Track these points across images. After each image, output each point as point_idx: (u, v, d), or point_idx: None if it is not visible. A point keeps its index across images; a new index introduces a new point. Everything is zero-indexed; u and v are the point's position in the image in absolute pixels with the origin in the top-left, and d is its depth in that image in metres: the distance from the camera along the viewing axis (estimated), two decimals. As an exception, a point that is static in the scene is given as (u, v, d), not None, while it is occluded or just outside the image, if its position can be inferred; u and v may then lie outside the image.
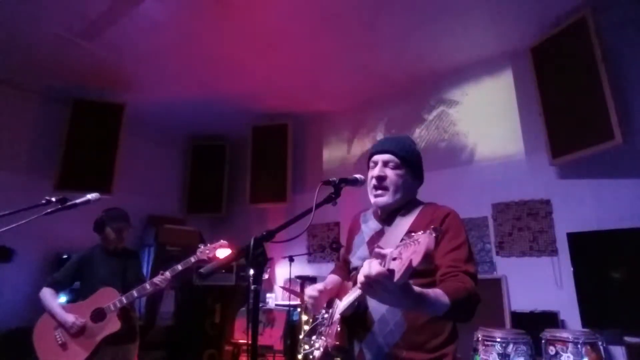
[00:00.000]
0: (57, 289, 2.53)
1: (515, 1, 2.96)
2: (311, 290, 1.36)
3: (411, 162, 1.36)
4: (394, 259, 0.83)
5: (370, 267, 0.86)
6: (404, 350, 1.17)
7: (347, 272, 1.51)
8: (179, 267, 2.52)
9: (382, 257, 0.88)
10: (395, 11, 3.08)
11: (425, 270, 1.18)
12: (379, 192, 1.33)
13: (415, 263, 0.76)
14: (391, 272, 0.82)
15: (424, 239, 0.77)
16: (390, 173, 1.33)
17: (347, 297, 1.27)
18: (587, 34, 2.83)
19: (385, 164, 1.35)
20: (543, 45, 3.18)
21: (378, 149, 1.39)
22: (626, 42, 2.98)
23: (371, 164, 1.39)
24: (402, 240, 1.22)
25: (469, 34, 3.38)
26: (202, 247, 2.61)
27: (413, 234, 0.84)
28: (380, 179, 1.33)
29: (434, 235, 0.78)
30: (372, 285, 0.87)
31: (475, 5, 3.02)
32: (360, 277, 0.89)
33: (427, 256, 0.76)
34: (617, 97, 2.72)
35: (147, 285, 2.48)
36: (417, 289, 0.92)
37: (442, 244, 1.22)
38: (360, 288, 0.93)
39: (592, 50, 2.79)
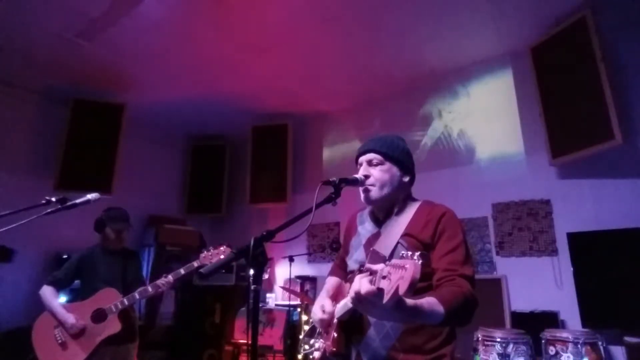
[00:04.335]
0: (58, 287, 2.53)
1: (515, 1, 2.96)
2: (320, 314, 1.32)
3: (395, 157, 1.35)
4: (384, 277, 0.83)
5: (360, 285, 0.87)
6: (400, 353, 1.16)
7: (345, 272, 1.50)
8: (182, 271, 2.53)
9: (372, 273, 0.88)
10: (395, 11, 3.08)
11: (421, 273, 1.18)
12: (367, 190, 1.33)
13: (401, 291, 0.77)
14: (380, 290, 0.83)
15: (410, 267, 0.78)
16: (374, 171, 1.33)
17: (342, 302, 1.27)
18: (587, 34, 2.83)
19: (369, 162, 1.36)
20: (543, 45, 3.18)
21: (361, 150, 1.40)
22: (626, 42, 2.98)
23: (358, 167, 1.40)
24: (397, 243, 1.23)
25: (469, 34, 3.38)
26: (205, 252, 2.61)
27: (403, 252, 0.85)
28: (365, 178, 1.33)
29: (420, 262, 0.79)
30: (362, 302, 0.88)
31: (475, 5, 3.02)
32: (351, 293, 0.90)
33: (413, 285, 0.77)
34: (617, 97, 2.72)
35: (149, 288, 2.49)
36: (410, 301, 0.91)
37: (438, 245, 1.21)
38: (351, 303, 0.94)
39: (592, 50, 2.79)
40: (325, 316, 1.31)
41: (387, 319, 1.05)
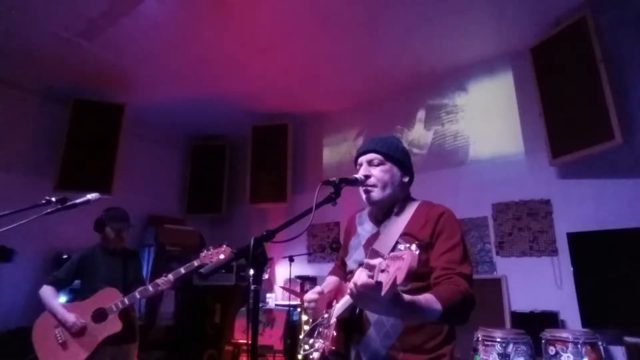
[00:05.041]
0: (58, 287, 2.53)
1: (515, 1, 2.97)
2: (311, 294, 1.34)
3: (395, 158, 1.36)
4: (382, 270, 0.84)
5: (359, 279, 0.88)
6: (400, 352, 1.17)
7: (345, 272, 1.51)
8: (182, 270, 2.53)
9: (371, 267, 0.88)
10: (395, 11, 3.08)
11: (420, 273, 1.18)
12: (368, 189, 1.33)
13: (399, 281, 0.77)
14: (379, 284, 0.83)
15: (407, 257, 0.78)
16: (375, 171, 1.34)
17: (341, 301, 1.27)
18: (587, 34, 2.83)
19: (370, 163, 1.36)
20: (543, 45, 3.18)
21: (361, 151, 1.40)
22: (626, 42, 2.98)
23: (357, 167, 1.40)
24: (396, 243, 1.24)
25: (469, 34, 3.39)
26: (205, 251, 2.61)
27: (401, 246, 0.86)
28: (366, 177, 1.33)
29: (417, 252, 0.80)
30: (360, 296, 0.89)
31: (475, 5, 3.02)
32: (351, 287, 0.91)
33: (411, 274, 0.77)
34: (617, 97, 2.72)
35: (150, 287, 2.49)
36: (407, 297, 0.91)
37: (436, 244, 1.22)
38: (349, 296, 0.95)
39: (592, 50, 2.79)
40: (315, 296, 1.32)
41: (385, 314, 1.05)
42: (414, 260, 0.78)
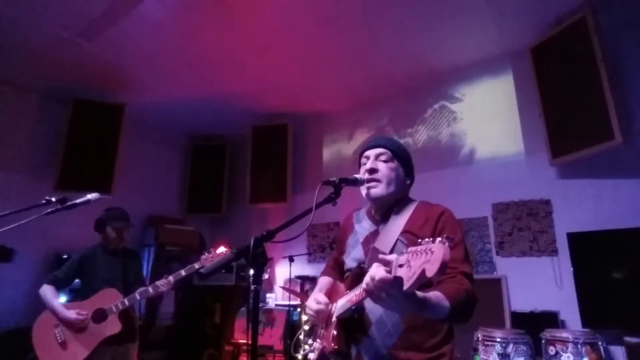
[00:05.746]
0: (58, 286, 2.53)
1: (515, 1, 2.97)
2: (315, 304, 1.31)
3: (402, 157, 1.37)
4: (401, 265, 0.82)
5: (377, 274, 0.87)
6: (401, 351, 1.17)
7: (339, 272, 1.49)
8: (183, 272, 2.53)
9: (387, 263, 0.87)
10: (395, 11, 3.08)
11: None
12: (372, 184, 1.31)
13: (430, 274, 0.75)
14: (398, 279, 0.81)
15: (438, 249, 0.75)
16: (382, 166, 1.33)
17: (343, 300, 1.26)
18: (587, 34, 2.83)
19: (377, 157, 1.35)
20: (543, 45, 3.18)
21: (369, 145, 1.40)
22: (626, 42, 2.98)
23: (363, 160, 1.40)
24: (397, 241, 1.23)
25: (469, 34, 3.39)
26: (206, 254, 2.61)
27: (421, 240, 0.83)
28: (372, 171, 1.32)
29: (447, 244, 0.76)
30: (377, 291, 0.88)
31: (475, 5, 3.02)
32: (367, 282, 0.90)
33: (444, 267, 0.74)
34: (617, 97, 2.72)
35: (150, 289, 2.49)
36: (420, 294, 0.91)
37: None
38: (364, 291, 0.94)
39: (592, 50, 2.79)
40: (321, 306, 1.30)
41: (397, 310, 1.04)
42: (447, 254, 0.75)
